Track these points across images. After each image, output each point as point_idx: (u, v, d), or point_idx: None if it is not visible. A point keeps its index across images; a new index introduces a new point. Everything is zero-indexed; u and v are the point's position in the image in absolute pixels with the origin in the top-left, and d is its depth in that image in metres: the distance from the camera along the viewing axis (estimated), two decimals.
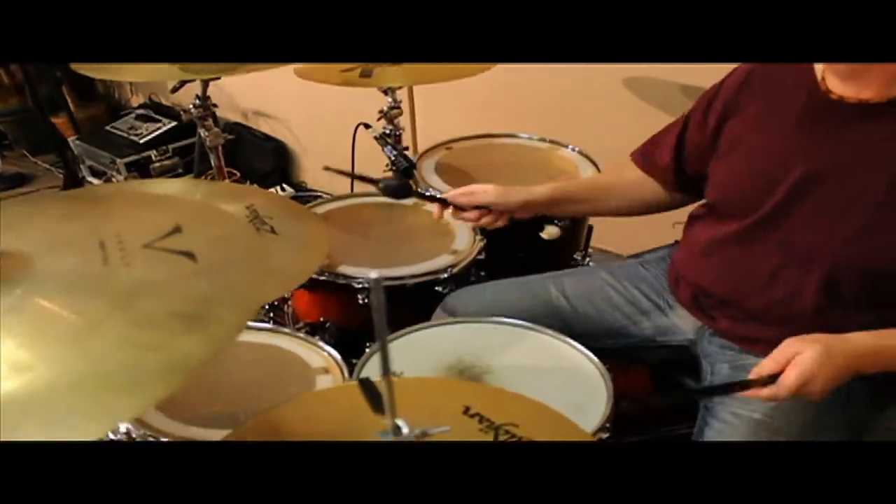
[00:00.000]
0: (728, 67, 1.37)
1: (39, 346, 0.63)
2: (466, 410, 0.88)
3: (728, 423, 1.21)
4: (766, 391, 1.07)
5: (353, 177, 1.62)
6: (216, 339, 0.62)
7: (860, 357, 1.08)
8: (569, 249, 1.95)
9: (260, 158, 3.51)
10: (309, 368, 1.29)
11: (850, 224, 1.15)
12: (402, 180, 1.52)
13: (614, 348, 1.45)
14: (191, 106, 1.87)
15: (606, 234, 2.24)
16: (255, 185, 3.38)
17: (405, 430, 0.69)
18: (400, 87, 2.11)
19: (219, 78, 1.69)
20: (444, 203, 1.47)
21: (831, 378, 1.05)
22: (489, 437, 0.84)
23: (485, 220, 1.47)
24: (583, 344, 1.35)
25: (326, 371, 1.28)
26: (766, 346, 1.26)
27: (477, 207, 1.46)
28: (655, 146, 1.49)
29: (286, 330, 1.41)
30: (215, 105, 1.92)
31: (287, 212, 1.53)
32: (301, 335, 1.35)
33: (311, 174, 3.49)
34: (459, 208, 1.47)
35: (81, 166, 3.60)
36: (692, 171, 1.43)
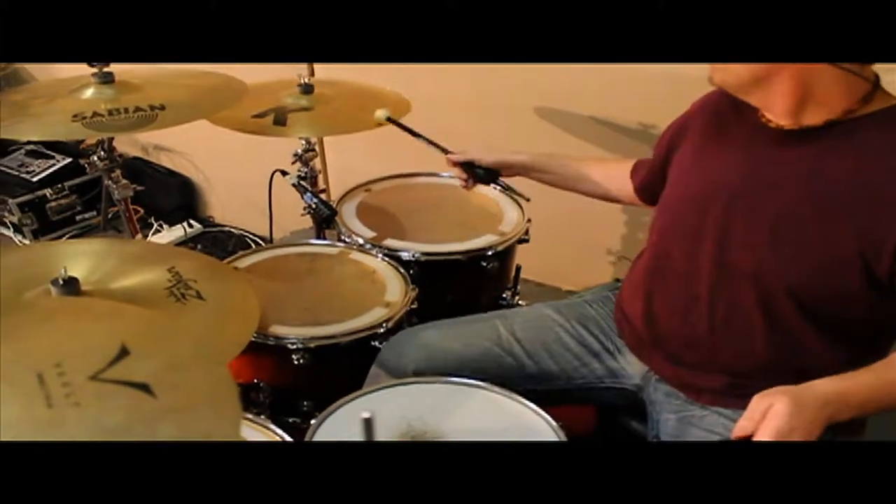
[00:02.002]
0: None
1: None
2: None
3: None
4: None
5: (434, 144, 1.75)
6: None
7: (828, 405, 1.04)
8: (498, 288, 1.94)
9: (164, 194, 3.36)
10: None
11: (778, 245, 1.17)
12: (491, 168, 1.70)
13: (565, 389, 1.44)
14: (95, 158, 1.76)
15: (538, 267, 2.25)
16: (165, 226, 3.25)
17: None
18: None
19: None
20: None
21: (808, 428, 1.02)
22: None
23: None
24: (534, 385, 1.35)
25: None
26: (710, 397, 1.28)
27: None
28: (642, 165, 1.58)
29: None
30: (121, 155, 1.81)
31: (212, 273, 1.46)
32: (249, 416, 1.28)
33: (220, 209, 3.37)
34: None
35: None
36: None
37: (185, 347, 0.74)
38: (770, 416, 1.03)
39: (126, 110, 1.53)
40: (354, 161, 2.47)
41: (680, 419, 1.30)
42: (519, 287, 2.01)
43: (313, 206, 1.82)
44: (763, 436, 1.02)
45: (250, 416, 1.24)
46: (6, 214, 3.21)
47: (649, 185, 1.52)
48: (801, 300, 1.18)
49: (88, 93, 1.61)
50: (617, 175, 1.62)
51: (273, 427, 1.21)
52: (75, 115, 1.51)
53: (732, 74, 1.17)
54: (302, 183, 1.85)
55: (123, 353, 0.69)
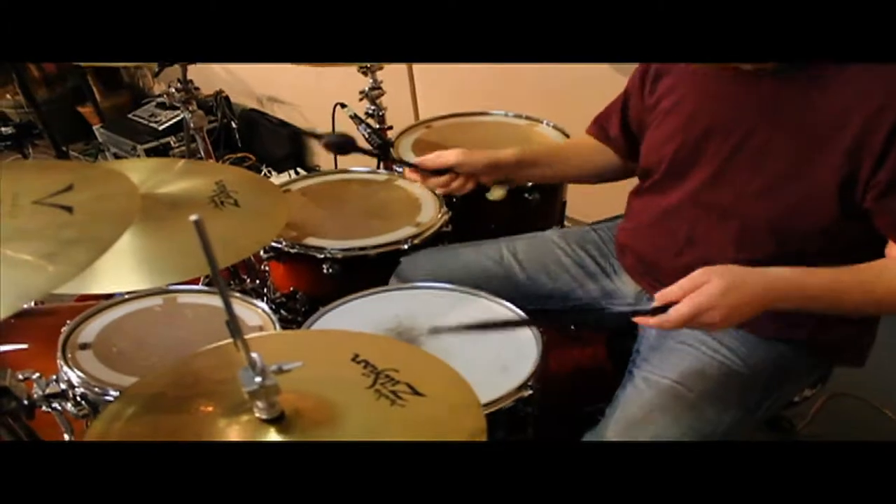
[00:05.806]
0: None
1: None
2: (355, 357, 0.94)
3: (638, 387, 1.25)
4: (653, 320, 1.08)
5: (301, 132, 1.60)
6: (60, 275, 0.70)
7: (776, 290, 1.07)
8: (543, 224, 1.99)
9: (276, 144, 3.61)
10: (246, 326, 1.37)
11: (758, 181, 1.18)
12: (344, 135, 1.45)
13: (561, 310, 1.50)
14: (173, 89, 1.96)
15: (582, 205, 2.28)
16: (273, 172, 3.49)
17: (259, 364, 0.75)
18: (380, 68, 2.18)
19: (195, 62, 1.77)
20: (410, 166, 1.47)
21: (735, 309, 1.05)
22: (370, 381, 0.90)
23: (454, 185, 1.45)
24: (531, 306, 1.40)
25: (262, 329, 1.36)
26: None
27: (443, 172, 1.44)
28: (607, 118, 1.53)
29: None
30: (197, 88, 2.00)
31: (254, 187, 1.60)
32: (238, 295, 1.44)
33: (325, 158, 3.58)
34: (426, 173, 1.45)
35: (106, 153, 3.76)
36: (639, 139, 1.46)
37: (120, 186, 0.88)
38: (700, 291, 1.05)
39: None
40: (446, 107, 2.55)
41: (661, 333, 1.33)
42: (567, 224, 2.05)
43: (366, 136, 1.94)
44: (680, 308, 1.05)
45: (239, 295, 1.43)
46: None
47: (636, 128, 1.48)
48: (780, 235, 1.19)
49: None
50: (595, 147, 1.57)
51: (259, 304, 1.37)
52: None
53: None
54: (358, 115, 1.98)
55: (68, 188, 0.84)
